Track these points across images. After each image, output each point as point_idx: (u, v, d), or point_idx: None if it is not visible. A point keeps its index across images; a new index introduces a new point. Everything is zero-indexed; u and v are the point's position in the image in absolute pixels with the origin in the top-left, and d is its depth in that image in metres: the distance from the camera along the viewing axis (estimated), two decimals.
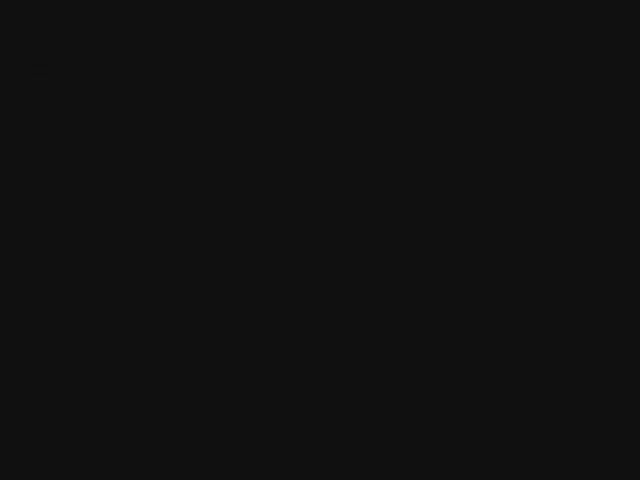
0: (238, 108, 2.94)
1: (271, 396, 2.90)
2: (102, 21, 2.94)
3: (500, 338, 2.91)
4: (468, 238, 2.92)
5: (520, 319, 2.91)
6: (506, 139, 2.94)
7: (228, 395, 2.90)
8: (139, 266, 2.92)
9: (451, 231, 2.93)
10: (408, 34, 2.94)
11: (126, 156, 2.93)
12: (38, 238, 2.91)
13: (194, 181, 2.94)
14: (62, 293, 2.91)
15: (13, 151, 2.93)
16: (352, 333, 2.91)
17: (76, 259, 2.91)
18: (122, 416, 2.89)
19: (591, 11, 2.93)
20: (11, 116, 2.93)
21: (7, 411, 2.89)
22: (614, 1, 2.92)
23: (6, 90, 2.93)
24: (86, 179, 2.93)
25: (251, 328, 2.91)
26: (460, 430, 2.88)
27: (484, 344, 2.91)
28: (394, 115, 2.94)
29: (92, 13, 2.93)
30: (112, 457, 2.89)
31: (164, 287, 2.92)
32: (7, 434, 2.88)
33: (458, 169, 2.93)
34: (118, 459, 2.89)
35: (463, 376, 2.89)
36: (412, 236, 2.92)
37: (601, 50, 2.93)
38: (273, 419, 2.89)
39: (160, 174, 2.93)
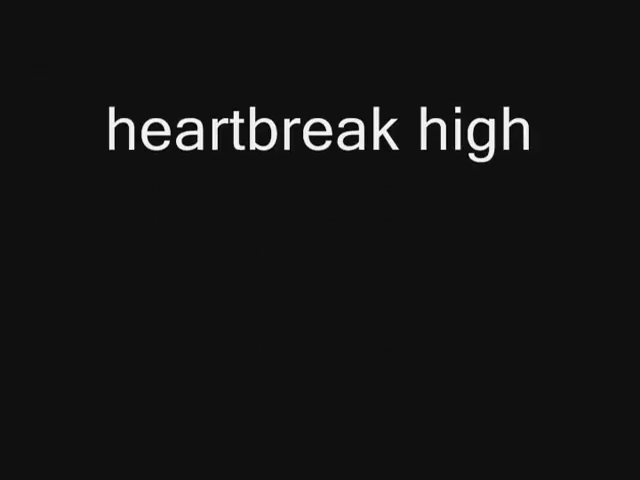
0: (237, 107, 2.94)
1: (271, 395, 2.91)
2: (102, 21, 2.94)
3: (499, 336, 2.91)
4: (467, 235, 2.93)
5: (518, 318, 2.91)
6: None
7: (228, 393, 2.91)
8: (139, 265, 2.93)
9: (450, 230, 2.93)
10: (408, 33, 2.95)
11: (126, 155, 2.93)
12: (38, 237, 2.92)
13: (193, 180, 2.94)
14: (62, 292, 2.92)
15: (13, 151, 2.93)
16: (351, 331, 2.92)
17: (76, 259, 2.92)
18: (122, 415, 2.90)
19: (591, 11, 2.93)
20: (11, 116, 2.93)
21: (7, 411, 2.89)
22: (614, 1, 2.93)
23: (6, 90, 2.93)
24: (86, 179, 2.93)
25: (250, 326, 2.92)
26: (460, 430, 2.89)
27: (482, 342, 2.91)
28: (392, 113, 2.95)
29: (92, 13, 2.94)
30: (112, 457, 2.89)
31: (163, 285, 2.93)
32: (7, 434, 2.89)
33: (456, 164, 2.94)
34: (118, 459, 2.89)
35: (463, 375, 2.90)
36: (410, 236, 2.93)
37: (601, 50, 2.93)
38: (272, 418, 2.90)
39: (159, 173, 2.93)
